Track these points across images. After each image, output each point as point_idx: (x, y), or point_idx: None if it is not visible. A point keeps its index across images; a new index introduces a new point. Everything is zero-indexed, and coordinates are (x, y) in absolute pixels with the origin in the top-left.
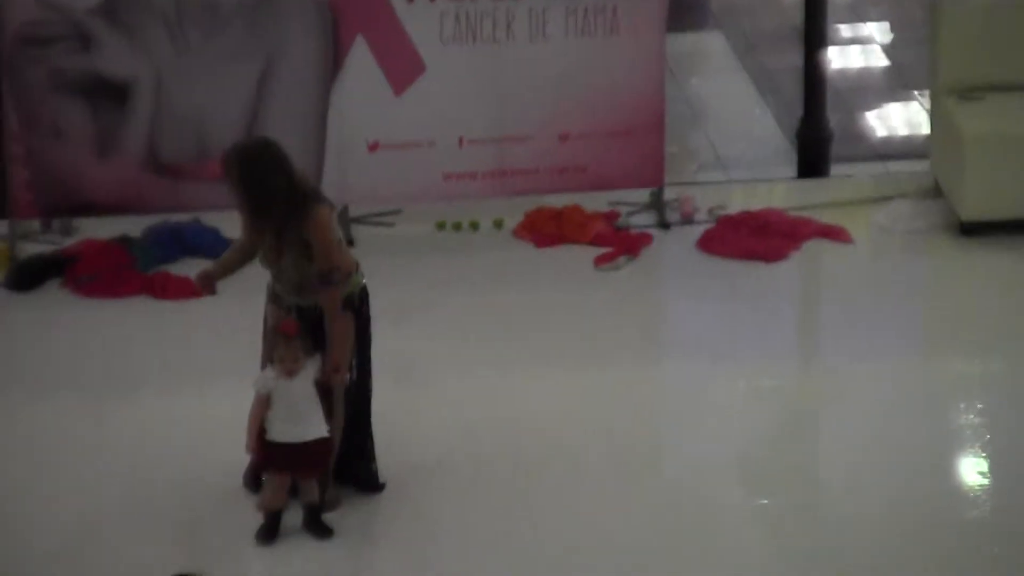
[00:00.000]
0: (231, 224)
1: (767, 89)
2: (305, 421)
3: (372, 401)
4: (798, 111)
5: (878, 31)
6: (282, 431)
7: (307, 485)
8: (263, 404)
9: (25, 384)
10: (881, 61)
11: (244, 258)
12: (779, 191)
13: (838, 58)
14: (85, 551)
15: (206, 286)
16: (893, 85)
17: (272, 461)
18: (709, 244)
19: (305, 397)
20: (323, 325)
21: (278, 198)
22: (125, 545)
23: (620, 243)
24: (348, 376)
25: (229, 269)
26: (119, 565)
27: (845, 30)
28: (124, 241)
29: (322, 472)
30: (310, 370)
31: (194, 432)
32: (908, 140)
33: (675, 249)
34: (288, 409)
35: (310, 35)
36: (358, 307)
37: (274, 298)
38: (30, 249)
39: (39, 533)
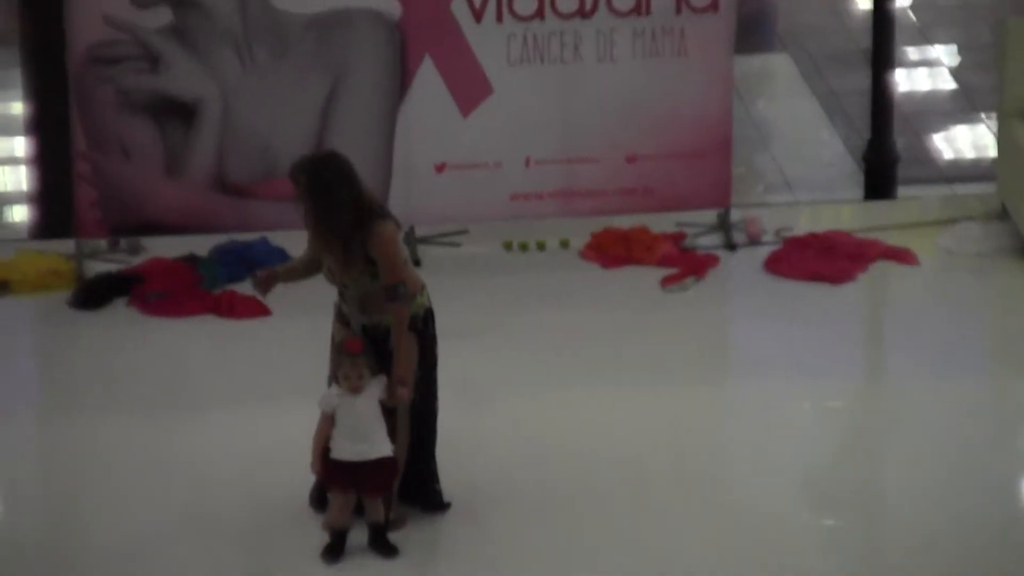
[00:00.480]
0: (298, 243)
1: (834, 111)
2: (369, 440)
3: (437, 421)
4: (865, 133)
5: (945, 53)
6: (346, 449)
7: (372, 504)
8: (328, 422)
9: (92, 401)
10: (948, 83)
11: (308, 270)
12: (846, 213)
13: (905, 80)
14: (148, 568)
15: (264, 283)
16: (960, 107)
17: (336, 479)
18: (776, 265)
19: (369, 416)
20: (388, 344)
21: (345, 210)
22: (189, 563)
23: (687, 264)
24: (412, 396)
25: (292, 275)
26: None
27: (912, 52)
28: (191, 260)
29: (386, 491)
30: (375, 389)
31: (260, 450)
32: (975, 162)
33: (742, 270)
34: (352, 427)
35: (378, 55)
36: (422, 328)
37: (340, 316)
38: (97, 268)
39: (103, 549)
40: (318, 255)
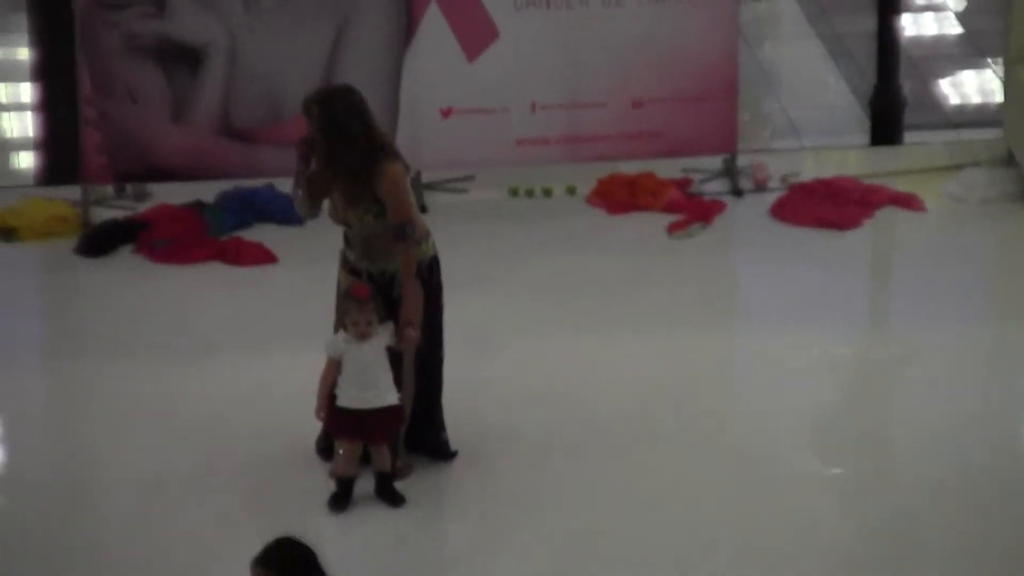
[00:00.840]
0: None
1: (840, 55)
2: (375, 387)
3: (443, 369)
4: (871, 78)
5: None
6: (352, 397)
7: (379, 452)
8: (334, 369)
9: (98, 349)
10: (955, 28)
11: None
12: (852, 158)
13: (911, 25)
14: (155, 513)
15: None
16: (967, 52)
17: (342, 427)
18: (782, 211)
19: (376, 363)
20: (393, 291)
21: (355, 145)
22: (195, 508)
23: (693, 210)
24: (419, 338)
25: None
26: (189, 528)
27: None
28: (197, 206)
29: (392, 439)
30: (382, 336)
31: (266, 397)
32: (981, 108)
33: (748, 216)
34: (359, 375)
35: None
36: (427, 276)
37: (345, 263)
38: (103, 214)
39: (110, 494)
40: (323, 191)
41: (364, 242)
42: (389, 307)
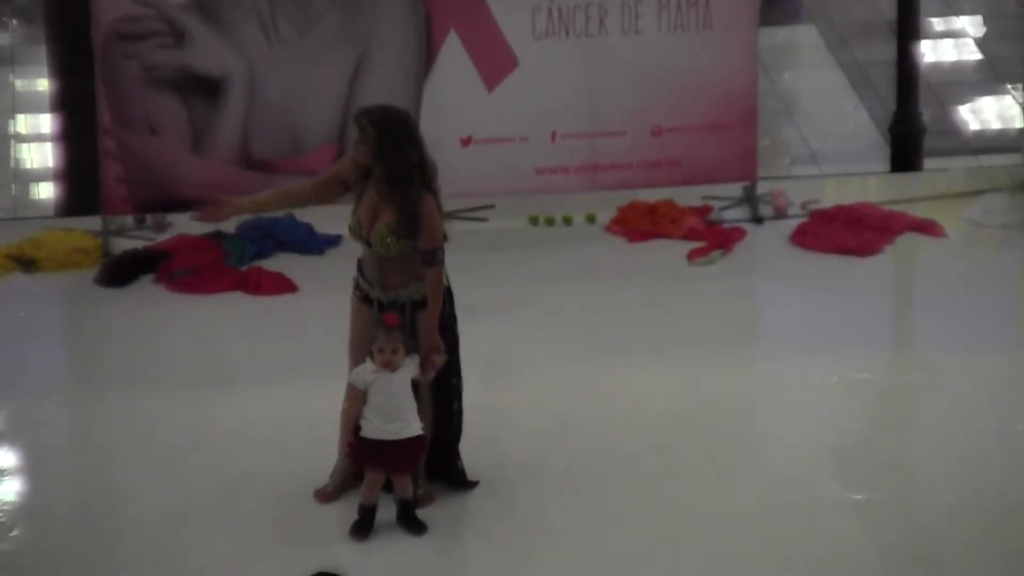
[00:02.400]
0: (324, 219)
1: (859, 83)
2: (401, 419)
3: (463, 398)
4: (891, 105)
5: (971, 24)
6: (377, 429)
7: (401, 481)
8: (359, 400)
9: (119, 379)
10: (974, 54)
11: (297, 201)
12: (872, 185)
13: (931, 52)
14: (179, 544)
15: (214, 212)
16: (986, 79)
17: (366, 458)
18: (802, 238)
19: (402, 395)
20: (409, 320)
21: (411, 171)
22: (219, 538)
23: (713, 238)
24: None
25: (264, 207)
26: (213, 558)
27: (938, 23)
28: (217, 236)
29: (415, 469)
30: (408, 368)
31: (288, 426)
32: (1001, 134)
33: (768, 243)
34: (384, 406)
35: (403, 29)
36: (442, 307)
37: (357, 290)
38: (123, 245)
39: (133, 523)
40: (323, 195)
41: (379, 267)
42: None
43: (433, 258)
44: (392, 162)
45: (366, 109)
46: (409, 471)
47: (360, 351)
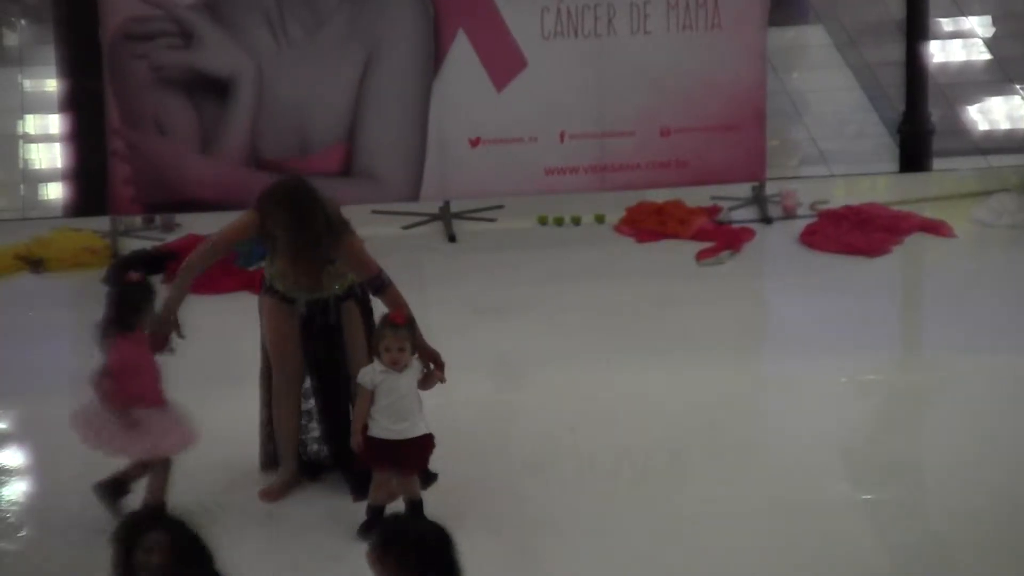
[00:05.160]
0: None
1: (868, 83)
2: (407, 419)
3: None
4: (900, 105)
5: (980, 25)
6: (385, 429)
7: (409, 481)
8: (367, 399)
9: None
10: (983, 55)
11: (197, 272)
12: (881, 185)
13: (940, 52)
14: None
15: (162, 342)
16: (995, 78)
17: (374, 457)
18: (811, 239)
19: (409, 395)
20: (328, 318)
21: (322, 239)
22: (226, 537)
23: (722, 238)
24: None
25: (183, 296)
26: (221, 556)
27: (947, 24)
28: None
29: (422, 468)
30: (415, 369)
31: None
32: (1010, 134)
33: (777, 244)
34: (391, 406)
35: (411, 30)
36: (361, 296)
37: (270, 291)
38: (131, 245)
39: None
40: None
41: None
42: (331, 334)
43: (380, 283)
44: (304, 237)
45: (262, 194)
46: (416, 470)
47: (284, 346)
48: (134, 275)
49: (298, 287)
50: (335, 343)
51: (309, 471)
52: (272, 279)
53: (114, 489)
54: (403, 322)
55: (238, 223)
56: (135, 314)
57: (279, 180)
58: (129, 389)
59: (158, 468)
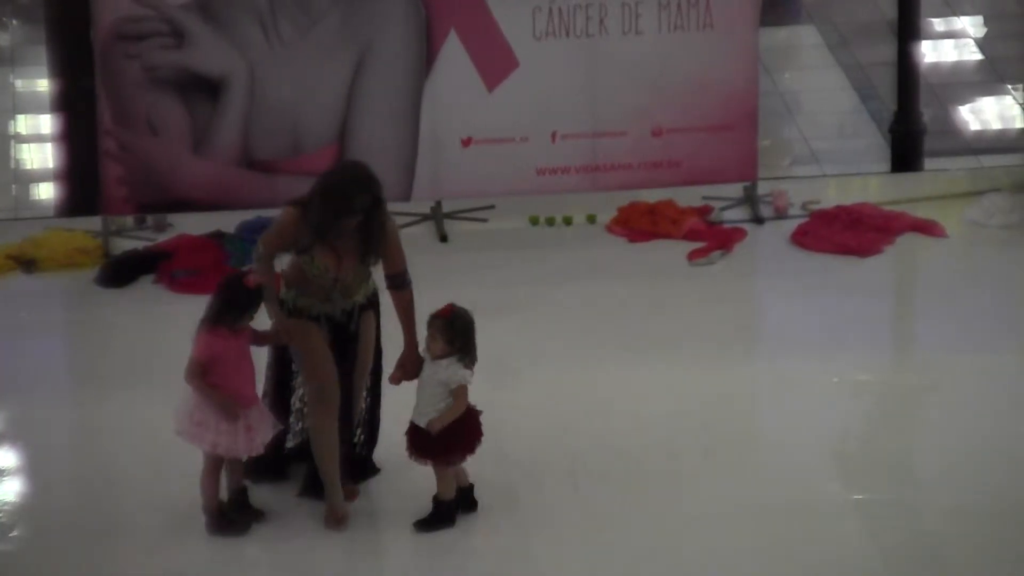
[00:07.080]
0: None
1: (860, 83)
2: (423, 410)
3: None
4: (891, 105)
5: (971, 25)
6: (414, 411)
7: (440, 478)
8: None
9: (119, 379)
10: (975, 55)
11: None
12: (873, 185)
13: (931, 52)
14: (182, 544)
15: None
16: (987, 79)
17: (411, 445)
18: (803, 238)
19: (429, 386)
20: (351, 326)
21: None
22: (220, 536)
23: (714, 238)
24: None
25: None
26: (214, 555)
27: (938, 24)
28: (218, 237)
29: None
30: (443, 366)
31: None
32: (1002, 134)
33: (769, 243)
34: (418, 391)
35: (403, 30)
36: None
37: (296, 314)
38: (123, 245)
39: (134, 524)
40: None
41: (347, 284)
42: (348, 342)
43: (403, 281)
44: (376, 216)
45: (334, 181)
46: (439, 459)
47: (328, 375)
48: (253, 278)
49: (332, 290)
50: (349, 351)
51: (282, 466)
52: (295, 298)
53: (240, 504)
54: (447, 315)
55: (284, 222)
56: (239, 316)
57: (346, 165)
58: (219, 383)
59: (235, 462)
